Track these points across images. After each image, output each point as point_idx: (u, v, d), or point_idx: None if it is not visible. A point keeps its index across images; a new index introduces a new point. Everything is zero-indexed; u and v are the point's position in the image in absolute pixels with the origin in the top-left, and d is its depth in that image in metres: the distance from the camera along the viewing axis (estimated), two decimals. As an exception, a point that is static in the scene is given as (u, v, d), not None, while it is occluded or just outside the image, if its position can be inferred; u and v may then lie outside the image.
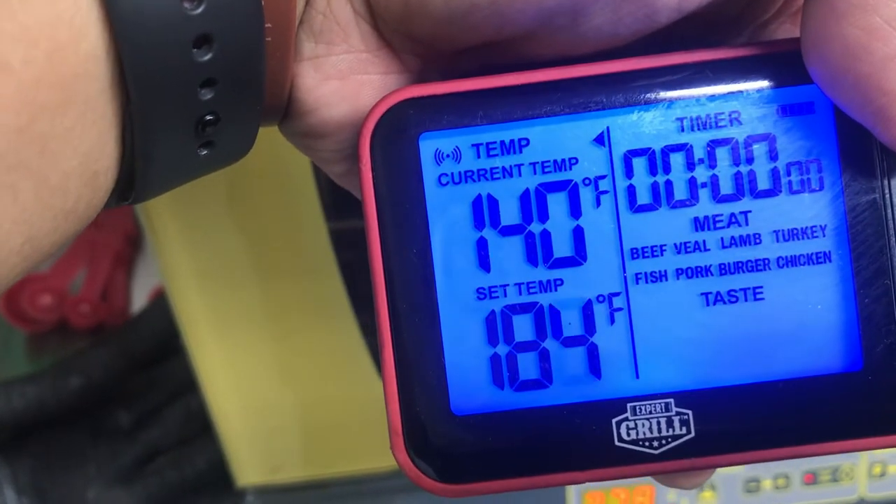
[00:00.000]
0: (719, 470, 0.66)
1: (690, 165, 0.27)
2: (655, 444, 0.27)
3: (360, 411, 0.62)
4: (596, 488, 0.65)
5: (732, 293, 0.27)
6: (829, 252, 0.27)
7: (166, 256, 0.55)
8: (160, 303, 0.88)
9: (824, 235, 0.27)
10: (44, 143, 0.22)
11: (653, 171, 0.27)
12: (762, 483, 0.65)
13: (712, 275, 0.27)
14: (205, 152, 0.26)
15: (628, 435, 0.27)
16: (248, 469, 0.64)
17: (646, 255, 0.27)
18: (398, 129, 0.27)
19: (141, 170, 0.25)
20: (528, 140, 0.27)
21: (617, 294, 0.27)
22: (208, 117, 0.25)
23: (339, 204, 0.55)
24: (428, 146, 0.27)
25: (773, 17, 0.29)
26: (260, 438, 0.63)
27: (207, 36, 0.23)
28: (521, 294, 0.27)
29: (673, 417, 0.27)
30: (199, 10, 0.23)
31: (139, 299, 0.96)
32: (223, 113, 0.25)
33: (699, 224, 0.27)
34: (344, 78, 0.28)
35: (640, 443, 0.27)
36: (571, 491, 0.65)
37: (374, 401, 0.61)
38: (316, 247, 0.57)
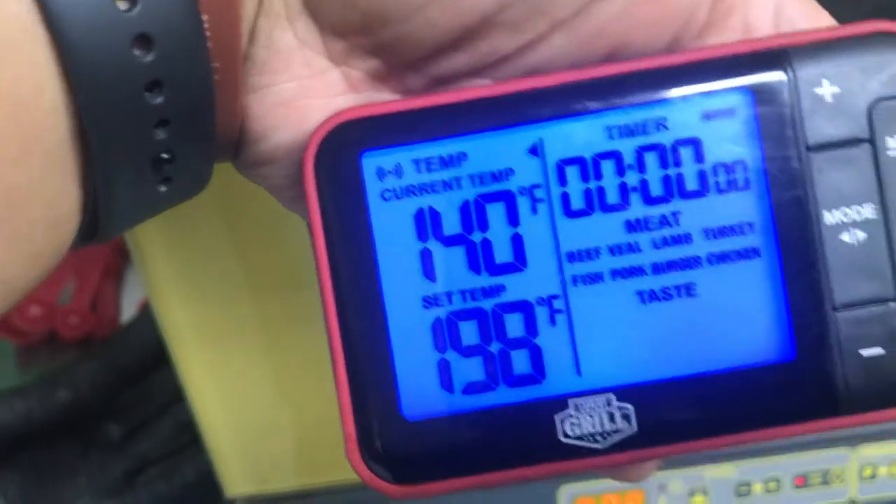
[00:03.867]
0: (710, 475, 0.67)
1: (621, 171, 0.28)
2: (599, 438, 0.28)
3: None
4: (587, 494, 0.66)
5: (666, 291, 0.28)
6: (758, 248, 0.28)
7: (150, 268, 0.55)
8: (149, 314, 0.88)
9: (752, 232, 0.28)
10: (8, 193, 0.23)
11: (585, 178, 0.28)
12: (753, 487, 0.65)
13: (646, 274, 0.28)
14: (164, 188, 0.28)
15: (572, 431, 0.28)
16: (237, 480, 0.65)
17: (582, 258, 0.28)
18: (340, 149, 0.28)
19: (104, 210, 0.26)
20: (465, 154, 0.28)
21: (556, 297, 0.28)
22: (164, 155, 0.26)
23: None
24: (370, 163, 0.28)
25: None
26: (248, 449, 0.63)
27: (158, 81, 0.25)
28: (465, 301, 0.29)
29: (615, 412, 0.28)
30: (150, 57, 0.24)
31: (129, 310, 0.97)
32: (178, 151, 0.27)
33: (632, 226, 0.28)
34: (289, 105, 0.29)
35: (584, 438, 0.28)
36: (562, 498, 0.66)
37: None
38: (302, 258, 0.57)
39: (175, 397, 0.84)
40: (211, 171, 0.29)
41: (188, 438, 0.83)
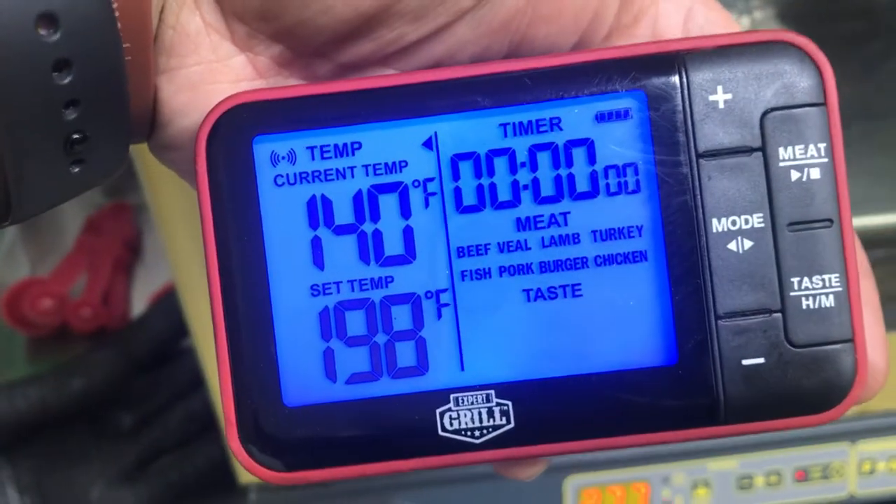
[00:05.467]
0: (713, 467, 0.67)
1: (513, 169, 0.28)
2: (477, 433, 0.28)
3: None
4: (592, 485, 0.66)
5: (552, 290, 0.28)
6: (646, 251, 0.28)
7: (177, 256, 0.56)
8: (160, 307, 0.90)
9: (640, 235, 0.28)
10: None
11: (478, 174, 0.28)
12: (755, 480, 0.66)
13: (533, 272, 0.28)
14: (77, 170, 0.28)
15: (451, 425, 0.28)
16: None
17: (471, 253, 0.28)
18: (233, 132, 0.28)
19: (14, 189, 0.26)
20: (360, 143, 0.28)
21: (444, 290, 0.29)
22: (75, 136, 0.27)
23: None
24: (263, 148, 0.28)
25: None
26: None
27: (66, 60, 0.25)
28: (353, 291, 0.29)
29: (494, 408, 0.28)
30: (56, 36, 0.24)
31: (138, 304, 0.98)
32: (90, 131, 0.27)
33: (521, 224, 0.28)
34: (195, 89, 0.29)
35: (462, 432, 0.28)
36: (568, 488, 0.66)
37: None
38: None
39: (186, 388, 0.85)
40: (126, 152, 0.29)
41: (198, 428, 0.84)
